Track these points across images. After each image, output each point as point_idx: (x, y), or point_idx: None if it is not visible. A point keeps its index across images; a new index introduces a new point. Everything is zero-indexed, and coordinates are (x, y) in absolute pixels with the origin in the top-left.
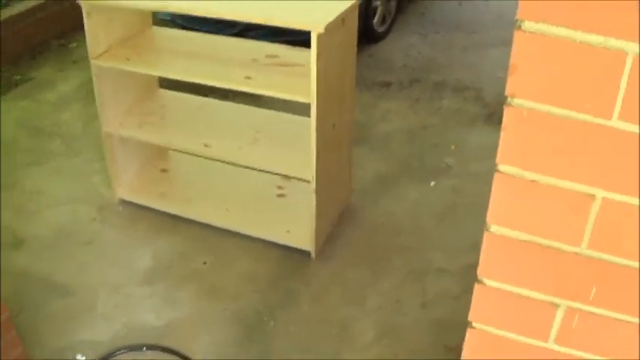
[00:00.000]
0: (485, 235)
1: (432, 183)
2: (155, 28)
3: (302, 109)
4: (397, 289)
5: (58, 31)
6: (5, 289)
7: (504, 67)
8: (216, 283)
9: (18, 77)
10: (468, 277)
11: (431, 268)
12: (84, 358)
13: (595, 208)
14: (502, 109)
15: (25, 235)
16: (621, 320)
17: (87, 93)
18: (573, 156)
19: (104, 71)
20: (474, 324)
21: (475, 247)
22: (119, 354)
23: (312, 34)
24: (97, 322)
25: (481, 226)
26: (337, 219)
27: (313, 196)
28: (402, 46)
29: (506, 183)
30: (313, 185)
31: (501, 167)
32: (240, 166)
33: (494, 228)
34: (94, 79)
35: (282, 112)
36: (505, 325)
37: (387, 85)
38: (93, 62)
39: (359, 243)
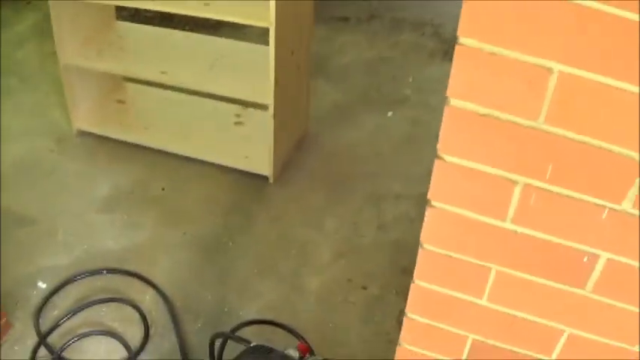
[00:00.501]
0: (446, 109)
1: (390, 113)
2: None
3: (261, 40)
4: (355, 213)
5: None
6: None
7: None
8: (175, 208)
9: None
10: (425, 202)
11: (388, 194)
12: (45, 284)
13: (552, 82)
14: None
15: None
16: (577, 199)
17: (42, 31)
18: (531, 28)
19: (61, 3)
20: (433, 202)
21: (430, 175)
22: (79, 278)
23: None
24: (58, 250)
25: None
26: (295, 146)
27: (271, 121)
28: None
29: (466, 55)
30: (271, 110)
31: (462, 40)
32: (198, 95)
33: (454, 102)
34: (52, 10)
35: (241, 41)
36: (463, 203)
37: (345, 19)
38: None
39: (317, 169)
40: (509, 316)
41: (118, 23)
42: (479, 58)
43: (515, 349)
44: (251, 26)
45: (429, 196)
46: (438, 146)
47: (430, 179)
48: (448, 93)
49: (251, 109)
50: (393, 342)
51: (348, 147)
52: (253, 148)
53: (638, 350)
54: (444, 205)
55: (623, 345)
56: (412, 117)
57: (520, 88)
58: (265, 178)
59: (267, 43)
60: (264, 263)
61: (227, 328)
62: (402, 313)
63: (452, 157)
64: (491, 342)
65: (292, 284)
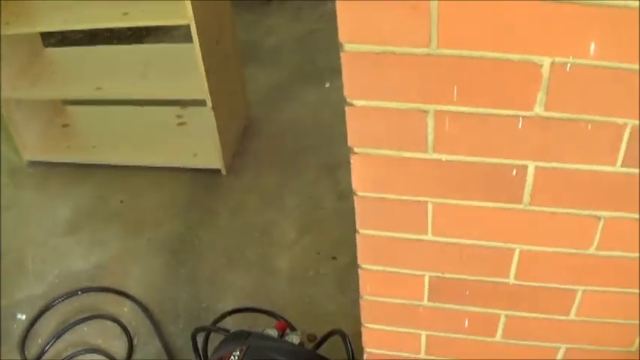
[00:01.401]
0: (342, 56)
1: (327, 84)
2: None
3: (188, 40)
4: (311, 187)
5: None
6: None
7: None
8: (136, 217)
9: None
10: None
11: (340, 162)
12: (24, 316)
13: (434, 3)
14: None
15: None
16: (490, 115)
17: None
18: None
19: None
20: (355, 149)
21: None
22: (56, 303)
23: None
24: (29, 279)
25: None
26: (240, 135)
27: (212, 114)
28: None
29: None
30: (209, 104)
31: None
32: (136, 104)
33: (348, 46)
34: None
35: (165, 44)
36: (383, 144)
37: (268, 1)
38: None
39: (266, 152)
40: (457, 245)
41: (46, 50)
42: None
43: (472, 277)
44: (177, 29)
45: (350, 143)
46: (345, 93)
47: None
48: (340, 38)
49: (190, 108)
50: None
51: (292, 124)
52: (200, 145)
53: (593, 252)
54: (365, 150)
55: (574, 251)
56: None
57: (406, 17)
58: (218, 171)
59: (191, 41)
60: (232, 253)
61: (208, 323)
62: None
63: (360, 101)
64: (447, 276)
65: (263, 268)
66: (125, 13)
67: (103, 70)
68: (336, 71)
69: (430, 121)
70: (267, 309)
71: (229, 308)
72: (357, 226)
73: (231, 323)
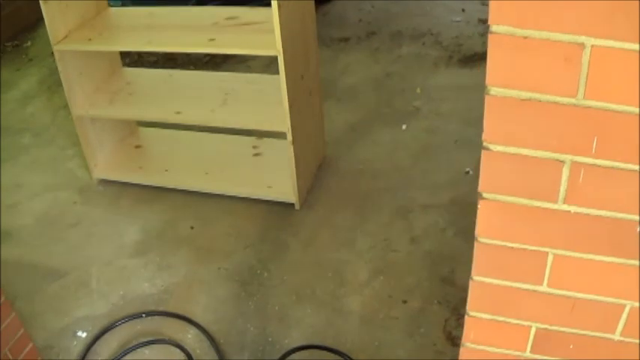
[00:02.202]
0: (487, 99)
1: (404, 126)
2: (111, 9)
3: (266, 71)
4: (385, 228)
5: (10, 33)
6: None
7: (457, 11)
8: (206, 245)
9: None
10: (453, 209)
11: (415, 206)
12: (84, 333)
13: (586, 56)
14: (461, 51)
15: (10, 227)
16: (624, 169)
17: (48, 87)
18: (559, 6)
19: (67, 55)
20: (484, 194)
21: (455, 182)
22: (119, 324)
23: None
24: (93, 298)
25: (456, 161)
26: (315, 171)
27: (291, 148)
28: (355, 2)
29: (500, 43)
30: (289, 137)
31: (494, 28)
32: (212, 132)
33: (494, 90)
34: (59, 64)
35: (247, 73)
36: (514, 191)
37: (345, 40)
38: (55, 48)
39: (341, 190)
40: (570, 299)
41: (124, 70)
42: (513, 44)
43: (578, 331)
44: (254, 59)
45: (480, 188)
46: (484, 137)
47: (452, 186)
48: (487, 82)
49: (267, 139)
50: (440, 352)
51: (367, 164)
52: (275, 177)
53: None
54: (495, 196)
55: None
56: (426, 127)
57: (556, 67)
58: (291, 205)
59: (272, 73)
60: (302, 289)
61: (274, 358)
62: (447, 322)
63: (498, 146)
64: (554, 328)
65: (332, 307)
66: (212, 39)
67: (182, 95)
68: (411, 114)
69: (565, 172)
70: (335, 348)
71: (296, 345)
72: (472, 273)
73: None
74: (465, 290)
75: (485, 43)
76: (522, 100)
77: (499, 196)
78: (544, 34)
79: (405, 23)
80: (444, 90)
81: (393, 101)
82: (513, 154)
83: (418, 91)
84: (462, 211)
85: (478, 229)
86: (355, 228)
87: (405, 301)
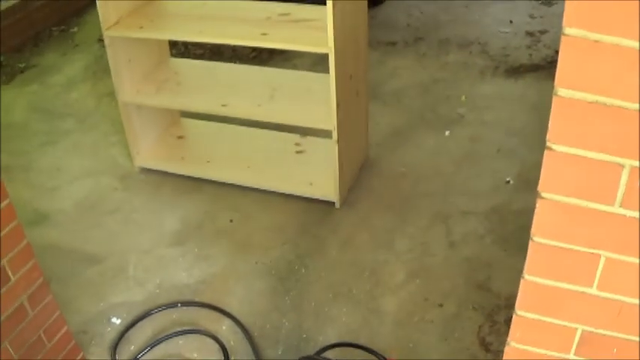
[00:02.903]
0: (554, 99)
1: (447, 132)
2: None
3: (312, 70)
4: (423, 232)
5: (57, 18)
6: None
7: (505, 22)
8: (245, 238)
9: (22, 65)
10: (492, 217)
11: (455, 211)
12: (119, 320)
13: None
14: (507, 62)
15: (49, 210)
16: None
17: (93, 73)
18: (632, 13)
19: (117, 41)
20: (542, 194)
21: (495, 191)
22: (154, 312)
23: None
24: (129, 285)
25: (498, 170)
26: (357, 171)
27: (335, 147)
28: (403, 7)
29: (572, 45)
30: (335, 136)
31: (567, 30)
32: (256, 126)
33: (562, 92)
34: (108, 50)
35: (295, 71)
36: (573, 192)
37: (393, 44)
38: (106, 33)
39: (382, 191)
40: (618, 302)
41: (172, 60)
42: (583, 47)
43: (623, 335)
44: (301, 57)
45: (539, 188)
46: (548, 137)
47: (493, 194)
48: (556, 84)
49: (310, 137)
50: (475, 357)
51: (409, 168)
52: (317, 175)
53: None
54: (553, 196)
55: None
56: (469, 135)
57: (624, 72)
58: (332, 203)
59: (321, 71)
60: (338, 287)
61: (308, 354)
62: (481, 328)
63: (561, 147)
64: (599, 331)
65: (368, 306)
66: (264, 34)
67: (229, 88)
68: (455, 121)
69: (624, 176)
70: (370, 348)
71: (330, 342)
72: (524, 272)
73: (331, 357)
74: (499, 297)
75: (531, 56)
76: (589, 102)
77: (557, 196)
78: (615, 40)
79: (452, 31)
80: (488, 99)
81: (437, 107)
82: (575, 156)
83: (463, 98)
84: (501, 220)
85: (534, 229)
86: (394, 230)
87: (440, 305)
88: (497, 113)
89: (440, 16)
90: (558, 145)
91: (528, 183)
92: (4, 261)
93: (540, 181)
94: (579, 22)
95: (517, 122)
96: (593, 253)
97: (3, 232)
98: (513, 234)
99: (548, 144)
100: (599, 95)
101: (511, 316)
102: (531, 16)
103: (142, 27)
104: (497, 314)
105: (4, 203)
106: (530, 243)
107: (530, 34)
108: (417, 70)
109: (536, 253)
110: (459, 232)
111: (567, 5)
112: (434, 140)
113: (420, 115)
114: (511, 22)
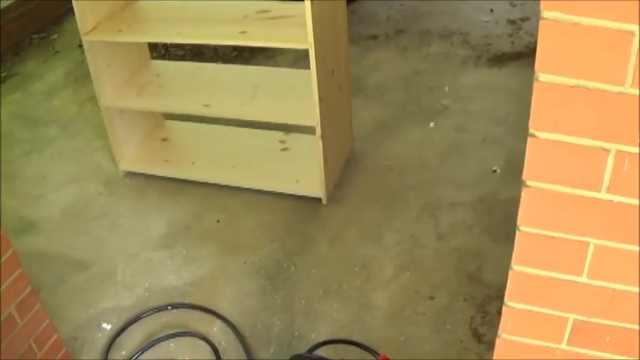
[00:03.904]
0: (535, 85)
1: (432, 124)
2: (141, 2)
3: (295, 67)
4: (412, 225)
5: (37, 26)
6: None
7: (486, 11)
8: (232, 238)
9: (3, 74)
10: (480, 207)
11: (442, 203)
12: (109, 325)
13: (635, 45)
14: (489, 51)
15: (35, 218)
16: None
17: (74, 79)
18: None
19: (97, 46)
20: (528, 182)
21: (482, 180)
22: (144, 316)
23: None
24: (118, 290)
25: (484, 159)
26: (343, 166)
27: (319, 142)
28: (383, 0)
29: (551, 29)
30: (318, 132)
31: (545, 14)
32: (239, 125)
33: (543, 77)
34: (88, 55)
35: (276, 68)
36: (558, 179)
37: (374, 37)
38: (84, 38)
39: (368, 185)
40: (609, 290)
41: (152, 62)
42: (563, 30)
43: (615, 323)
44: (282, 54)
45: (524, 176)
46: (530, 123)
47: (480, 184)
48: (536, 69)
49: (294, 134)
50: (467, 349)
51: (395, 161)
52: (303, 172)
53: None
54: (538, 184)
55: None
56: (454, 125)
57: (605, 55)
58: (318, 200)
59: (301, 68)
60: (328, 284)
61: (300, 352)
62: (473, 319)
63: (544, 133)
64: (592, 320)
65: (359, 302)
66: (243, 32)
67: (210, 88)
68: (439, 112)
69: (610, 161)
70: (363, 343)
71: (322, 339)
72: (512, 262)
73: (322, 354)
74: (490, 288)
75: (513, 44)
76: (570, 87)
77: (543, 184)
78: (594, 22)
79: (433, 22)
80: (472, 89)
81: (421, 99)
82: (559, 142)
83: (446, 89)
84: (489, 209)
85: (520, 218)
86: (382, 224)
87: (432, 298)
88: (481, 103)
89: (420, 8)
90: (541, 132)
91: (515, 172)
92: None
93: (525, 170)
94: (557, 5)
95: (501, 111)
96: (581, 241)
97: None
98: (502, 223)
99: (530, 131)
100: (581, 79)
101: (503, 307)
102: (512, 4)
103: (120, 30)
104: (489, 305)
105: None
106: (517, 233)
107: (511, 22)
108: (399, 63)
109: (524, 243)
110: (448, 223)
111: None
112: (419, 132)
113: (404, 108)
114: (492, 10)
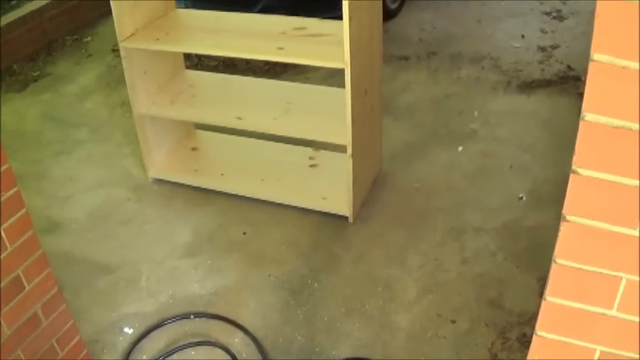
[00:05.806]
0: (581, 124)
1: (460, 148)
2: (179, 10)
3: (325, 83)
4: (436, 248)
5: (71, 27)
6: None
7: (517, 37)
8: (258, 251)
9: (36, 73)
10: (504, 234)
11: (467, 228)
12: (131, 330)
13: None
14: (519, 77)
15: (62, 219)
16: None
17: (107, 84)
18: None
19: (133, 53)
20: (567, 217)
21: (508, 207)
22: (166, 323)
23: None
24: (142, 296)
25: (510, 186)
26: (371, 185)
27: (350, 161)
28: (416, 21)
29: (600, 71)
30: (349, 151)
31: (595, 56)
32: (269, 140)
33: (589, 116)
34: (124, 61)
35: (310, 85)
36: (597, 215)
37: (405, 58)
38: (122, 44)
39: (394, 206)
40: (637, 324)
41: (186, 72)
42: (612, 73)
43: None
44: (314, 71)
45: (564, 211)
46: (574, 160)
47: (506, 210)
48: (584, 108)
49: (323, 151)
50: None
51: (423, 183)
52: (331, 189)
53: None
54: (578, 219)
55: None
56: (482, 150)
57: None
58: (345, 218)
59: (332, 85)
60: (351, 302)
61: None
62: (493, 345)
63: (587, 171)
64: (618, 352)
65: (381, 322)
66: (280, 48)
67: (243, 101)
68: (468, 136)
69: None
70: None
71: (343, 357)
72: (546, 293)
73: None
74: (511, 314)
75: (544, 71)
76: (614, 127)
77: (582, 219)
78: None
79: (465, 46)
80: (501, 115)
81: (450, 122)
82: (600, 179)
83: (476, 114)
84: (513, 236)
85: (557, 251)
86: (407, 245)
87: (453, 321)
88: (509, 129)
89: (452, 31)
90: (584, 170)
91: (540, 199)
92: (19, 270)
93: (565, 205)
94: (607, 48)
95: (529, 138)
96: (614, 276)
97: (19, 242)
98: (525, 251)
99: (573, 167)
100: (626, 121)
101: (523, 333)
102: (543, 31)
103: (158, 39)
104: (510, 331)
105: (20, 212)
106: (553, 265)
107: (542, 48)
108: (430, 85)
109: (559, 275)
110: (472, 248)
111: (596, 32)
112: (447, 155)
113: (433, 130)
114: (523, 36)
